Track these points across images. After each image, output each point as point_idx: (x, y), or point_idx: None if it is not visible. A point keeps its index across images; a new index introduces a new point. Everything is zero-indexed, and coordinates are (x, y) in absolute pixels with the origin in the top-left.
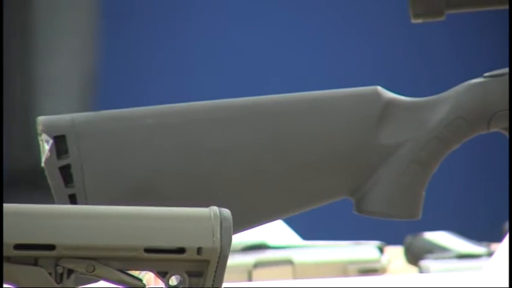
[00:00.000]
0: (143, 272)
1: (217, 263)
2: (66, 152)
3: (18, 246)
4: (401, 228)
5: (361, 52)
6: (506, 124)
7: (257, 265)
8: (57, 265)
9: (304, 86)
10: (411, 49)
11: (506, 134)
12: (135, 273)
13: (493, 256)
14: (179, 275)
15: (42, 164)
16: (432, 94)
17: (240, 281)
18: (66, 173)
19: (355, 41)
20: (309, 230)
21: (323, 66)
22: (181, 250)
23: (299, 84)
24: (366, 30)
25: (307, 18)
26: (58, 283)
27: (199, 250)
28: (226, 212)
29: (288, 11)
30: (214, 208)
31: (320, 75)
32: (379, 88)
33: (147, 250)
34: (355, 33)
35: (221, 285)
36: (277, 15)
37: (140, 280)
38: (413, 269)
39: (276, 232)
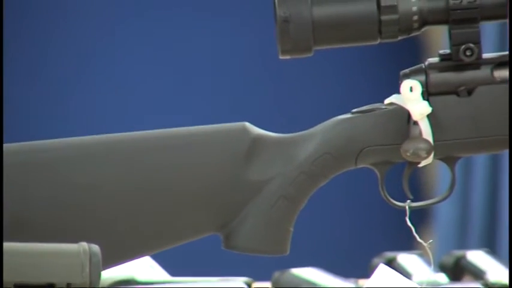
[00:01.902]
0: None
1: None
2: None
3: None
4: (269, 264)
5: (230, 88)
6: (375, 160)
7: None
8: None
9: (173, 121)
10: (280, 85)
11: (375, 170)
12: None
13: None
14: None
15: None
16: (301, 130)
17: None
18: None
19: (225, 77)
20: (177, 265)
21: (190, 101)
22: (50, 286)
23: (167, 119)
24: (235, 65)
25: (179, 56)
26: None
27: (68, 286)
28: (95, 247)
29: (152, 49)
30: (84, 244)
31: (187, 111)
32: (247, 124)
33: (17, 286)
34: (225, 68)
35: None
36: (141, 55)
37: None
38: None
39: (144, 268)
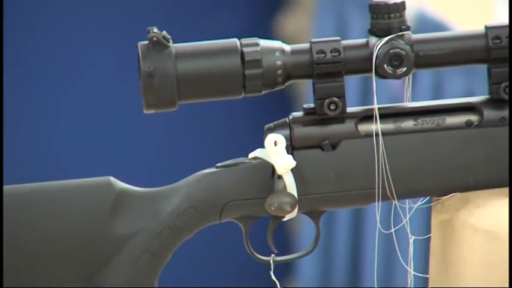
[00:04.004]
0: None
1: None
2: None
3: None
4: None
5: (94, 141)
6: (239, 214)
7: None
8: None
9: (38, 175)
10: (145, 139)
11: (240, 224)
12: None
13: None
14: None
15: None
16: (166, 184)
17: None
18: None
19: (90, 131)
20: None
21: (56, 154)
22: None
23: (35, 172)
24: (102, 120)
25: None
26: None
27: None
28: None
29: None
30: None
31: (53, 164)
32: (112, 178)
33: None
34: (90, 121)
35: None
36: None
37: None
38: None
39: None
